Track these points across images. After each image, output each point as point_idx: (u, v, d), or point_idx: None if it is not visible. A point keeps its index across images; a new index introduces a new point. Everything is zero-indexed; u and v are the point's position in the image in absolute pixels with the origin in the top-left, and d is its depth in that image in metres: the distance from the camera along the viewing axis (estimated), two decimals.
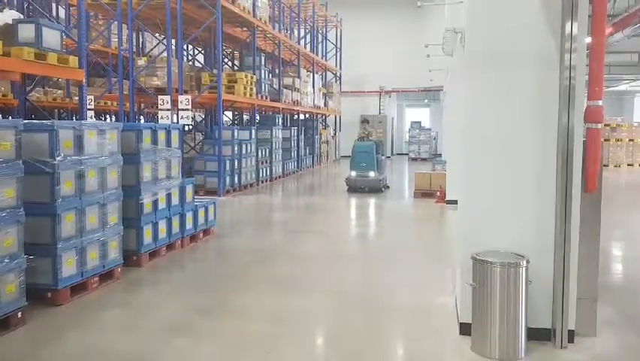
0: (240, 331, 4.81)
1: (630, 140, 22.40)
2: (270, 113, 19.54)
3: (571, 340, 4.33)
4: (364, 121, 14.70)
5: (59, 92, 14.15)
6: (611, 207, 8.93)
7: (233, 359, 4.31)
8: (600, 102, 4.28)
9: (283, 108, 18.16)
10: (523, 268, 4.12)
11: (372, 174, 13.44)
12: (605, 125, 20.52)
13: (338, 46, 25.67)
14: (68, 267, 5.35)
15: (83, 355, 4.32)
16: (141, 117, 17.39)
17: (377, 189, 13.53)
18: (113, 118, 18.39)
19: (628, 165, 22.28)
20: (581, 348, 4.31)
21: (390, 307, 5.41)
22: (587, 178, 4.34)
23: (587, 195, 4.39)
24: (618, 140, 22.30)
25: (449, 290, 5.70)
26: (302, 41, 21.35)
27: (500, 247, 4.34)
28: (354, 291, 5.97)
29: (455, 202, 7.82)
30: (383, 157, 14.29)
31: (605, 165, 19.85)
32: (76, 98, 9.77)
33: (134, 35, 14.96)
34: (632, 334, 4.76)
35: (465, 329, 4.43)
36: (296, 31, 20.81)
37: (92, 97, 12.18)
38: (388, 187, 14.50)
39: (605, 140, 21.03)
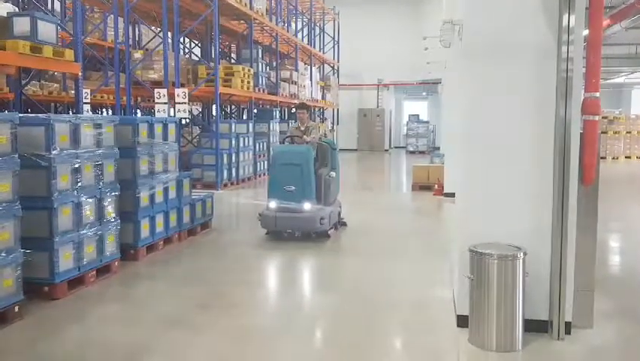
0: (238, 324, 4.81)
1: (628, 132, 22.42)
2: (268, 106, 19.49)
3: (568, 331, 4.34)
4: (301, 107, 8.87)
5: (55, 85, 14.08)
6: (608, 199, 8.94)
7: (231, 352, 4.31)
8: (597, 94, 4.28)
9: (281, 101, 18.11)
10: (521, 260, 4.12)
11: (306, 205, 7.47)
12: (602, 117, 20.54)
13: (335, 38, 25.59)
14: (65, 261, 5.34)
15: (80, 349, 4.32)
16: (138, 111, 17.33)
17: (318, 232, 7.65)
18: (110, 112, 18.32)
19: (625, 157, 22.31)
20: (578, 340, 4.32)
21: (387, 300, 5.41)
22: (584, 170, 4.33)
23: (584, 188, 4.39)
24: (616, 132, 22.32)
25: (446, 283, 5.71)
26: (299, 34, 21.27)
27: (498, 240, 4.35)
28: (352, 284, 5.97)
29: (453, 195, 7.82)
30: (333, 173, 8.15)
31: (602, 158, 19.95)
32: (73, 91, 9.73)
33: (130, 28, 14.87)
34: (629, 325, 4.78)
35: (462, 321, 4.44)
36: (293, 24, 20.72)
37: (88, 91, 12.14)
38: (345, 225, 8.63)
39: (603, 132, 21.05)
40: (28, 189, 5.01)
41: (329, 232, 7.84)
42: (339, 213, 8.51)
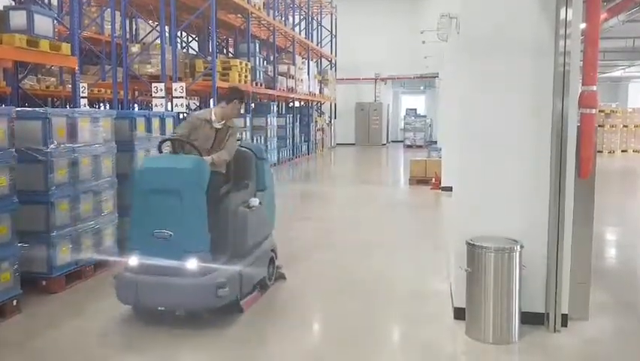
0: (234, 320, 4.82)
1: (624, 126, 22.45)
2: (265, 100, 19.46)
3: (564, 324, 4.38)
4: (235, 94, 5.07)
5: (52, 79, 14.03)
6: (604, 192, 8.96)
7: (227, 347, 4.32)
8: (594, 87, 4.29)
9: (278, 95, 18.09)
10: (517, 253, 4.14)
11: (191, 264, 4.33)
12: (599, 111, 20.55)
13: (333, 32, 25.52)
14: (63, 255, 5.35)
15: (78, 343, 4.33)
16: (135, 105, 17.28)
17: (220, 310, 4.53)
18: (107, 106, 18.26)
19: (622, 151, 22.34)
20: (574, 332, 4.35)
21: (384, 293, 5.43)
22: (581, 164, 4.35)
23: (580, 181, 4.40)
24: (612, 126, 22.35)
25: (443, 275, 5.73)
26: (297, 28, 21.21)
27: (495, 233, 4.36)
28: (349, 276, 5.98)
29: (450, 189, 7.82)
30: (256, 200, 5.09)
31: (599, 151, 19.92)
32: (70, 86, 9.69)
33: (128, 22, 14.82)
34: (624, 318, 4.81)
35: (459, 313, 4.46)
36: (290, 18, 20.66)
37: (85, 85, 12.10)
38: (284, 278, 5.61)
39: (600, 126, 21.06)
40: (25, 183, 5.01)
41: (242, 304, 4.72)
42: (272, 262, 5.41)
